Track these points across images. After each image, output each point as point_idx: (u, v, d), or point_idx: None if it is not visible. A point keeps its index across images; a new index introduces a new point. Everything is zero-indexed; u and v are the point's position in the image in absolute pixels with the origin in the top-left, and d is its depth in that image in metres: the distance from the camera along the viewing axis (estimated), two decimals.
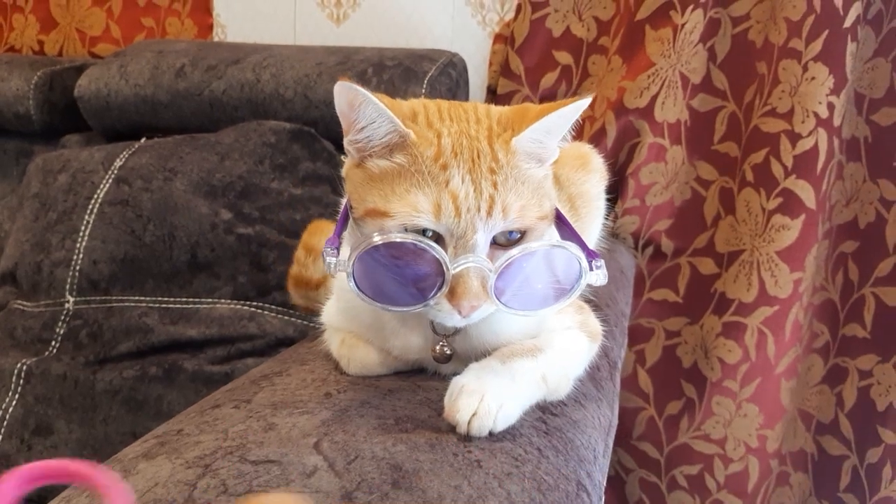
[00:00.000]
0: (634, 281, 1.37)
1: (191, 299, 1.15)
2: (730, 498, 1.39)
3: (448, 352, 0.61)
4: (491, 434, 0.54)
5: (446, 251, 0.53)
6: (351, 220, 0.57)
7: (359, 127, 0.55)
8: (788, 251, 1.26)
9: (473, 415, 0.53)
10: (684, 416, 1.39)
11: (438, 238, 0.54)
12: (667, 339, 1.40)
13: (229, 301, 1.15)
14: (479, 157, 0.54)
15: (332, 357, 0.67)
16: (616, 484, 1.47)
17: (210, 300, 1.15)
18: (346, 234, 0.58)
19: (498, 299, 0.54)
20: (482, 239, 0.53)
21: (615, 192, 1.37)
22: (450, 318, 0.55)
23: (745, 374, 1.33)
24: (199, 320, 1.13)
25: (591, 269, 0.55)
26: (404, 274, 0.53)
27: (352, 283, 0.53)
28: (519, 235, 0.55)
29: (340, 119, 0.55)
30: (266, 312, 1.15)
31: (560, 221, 0.60)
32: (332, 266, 0.53)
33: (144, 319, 1.14)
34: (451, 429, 0.54)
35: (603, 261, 0.56)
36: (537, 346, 0.60)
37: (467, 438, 0.53)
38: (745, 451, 1.37)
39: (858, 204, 1.30)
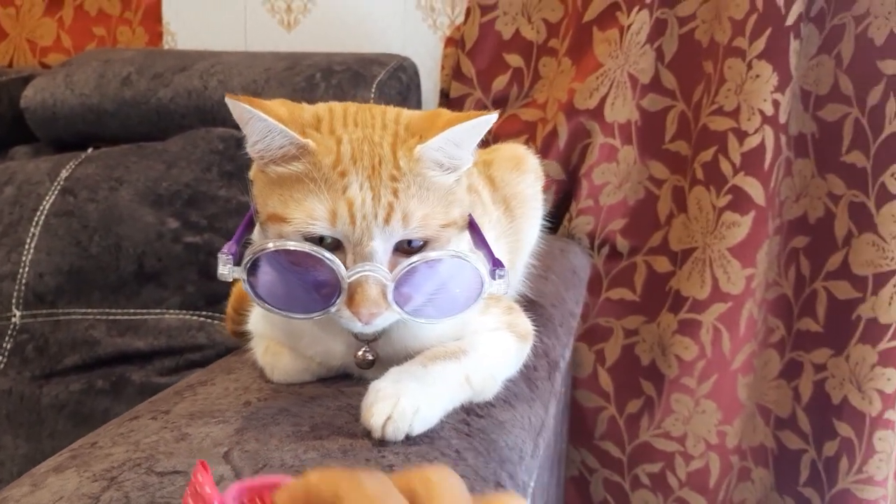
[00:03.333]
0: (591, 281, 1.37)
1: (138, 310, 1.14)
2: (692, 495, 1.39)
3: (370, 357, 0.60)
4: (408, 437, 0.53)
5: (346, 258, 0.52)
6: (258, 225, 0.56)
7: (252, 141, 0.54)
8: (739, 247, 1.27)
9: (388, 419, 0.52)
10: (644, 415, 1.40)
11: (339, 245, 0.53)
12: (625, 337, 1.41)
13: (178, 311, 1.14)
14: (380, 163, 0.53)
15: (259, 365, 0.66)
16: (581, 484, 1.47)
17: (158, 311, 1.14)
18: (253, 237, 0.57)
19: (401, 307, 0.54)
20: (380, 247, 0.52)
21: (569, 193, 1.37)
22: (352, 324, 0.54)
23: (702, 371, 1.33)
24: (147, 331, 1.12)
25: (493, 279, 0.55)
26: (306, 280, 0.53)
27: (247, 289, 0.53)
28: (422, 243, 0.54)
29: None
30: (216, 322, 1.14)
31: (472, 228, 0.59)
32: (227, 273, 0.52)
33: (91, 332, 1.12)
34: (368, 434, 0.53)
35: (506, 269, 0.55)
36: (461, 347, 0.60)
37: (382, 443, 0.52)
38: (705, 447, 1.37)
39: (808, 199, 1.31)
